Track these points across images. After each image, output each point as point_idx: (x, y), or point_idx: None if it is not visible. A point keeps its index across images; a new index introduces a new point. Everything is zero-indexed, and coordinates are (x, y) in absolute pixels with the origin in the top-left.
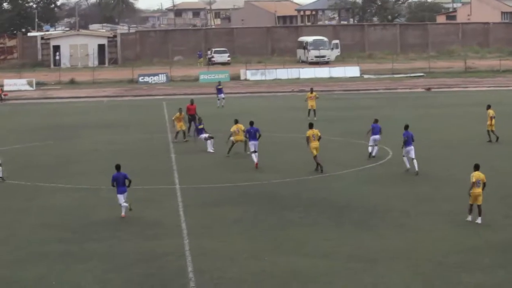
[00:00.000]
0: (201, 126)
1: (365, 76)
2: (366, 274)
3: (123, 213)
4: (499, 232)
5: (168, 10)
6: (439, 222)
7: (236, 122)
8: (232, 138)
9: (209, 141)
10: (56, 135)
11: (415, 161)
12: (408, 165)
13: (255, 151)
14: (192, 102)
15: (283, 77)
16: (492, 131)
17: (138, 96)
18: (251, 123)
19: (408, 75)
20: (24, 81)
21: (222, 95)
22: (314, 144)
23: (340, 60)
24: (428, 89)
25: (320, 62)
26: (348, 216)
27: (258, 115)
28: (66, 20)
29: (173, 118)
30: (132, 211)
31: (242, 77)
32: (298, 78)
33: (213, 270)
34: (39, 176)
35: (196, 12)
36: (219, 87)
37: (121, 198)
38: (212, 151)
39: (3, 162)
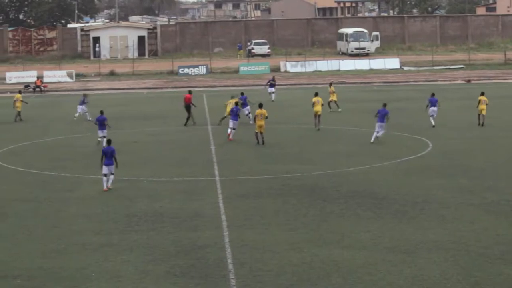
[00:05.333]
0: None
1: (405, 68)
2: (406, 266)
3: (105, 187)
4: None
5: (208, 1)
6: (480, 214)
7: (316, 94)
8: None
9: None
10: (96, 126)
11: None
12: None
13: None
14: (190, 92)
15: (323, 69)
16: (483, 115)
17: (178, 87)
18: (237, 103)
19: (448, 67)
20: (64, 72)
21: (273, 89)
22: (260, 122)
23: (380, 52)
24: (468, 81)
25: (360, 54)
26: (388, 208)
27: (298, 107)
28: (105, 11)
29: (225, 103)
30: (173, 203)
31: (282, 69)
32: (338, 70)
33: (252, 261)
34: (80, 168)
35: (236, 4)
36: (272, 81)
37: (105, 169)
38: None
39: None
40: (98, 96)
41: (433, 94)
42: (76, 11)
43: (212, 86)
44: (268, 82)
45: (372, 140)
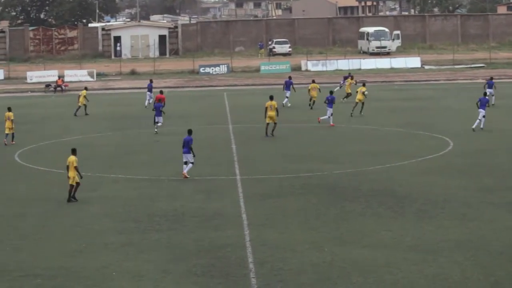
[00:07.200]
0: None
1: (426, 67)
2: (426, 265)
3: (184, 171)
4: None
5: (229, 0)
6: (501, 213)
7: (364, 84)
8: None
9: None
10: (117, 126)
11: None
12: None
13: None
14: (161, 92)
15: (344, 68)
16: None
17: (199, 87)
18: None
19: (469, 66)
20: (84, 72)
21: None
22: (271, 113)
23: (401, 51)
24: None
25: (381, 53)
26: (409, 207)
27: (319, 106)
28: (127, 11)
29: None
30: (194, 202)
31: (303, 68)
32: (359, 69)
33: (273, 261)
34: (100, 167)
35: (257, 3)
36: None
37: (184, 157)
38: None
39: None
40: (119, 95)
41: (491, 78)
42: (97, 10)
43: (233, 85)
44: (344, 80)
45: (481, 126)
